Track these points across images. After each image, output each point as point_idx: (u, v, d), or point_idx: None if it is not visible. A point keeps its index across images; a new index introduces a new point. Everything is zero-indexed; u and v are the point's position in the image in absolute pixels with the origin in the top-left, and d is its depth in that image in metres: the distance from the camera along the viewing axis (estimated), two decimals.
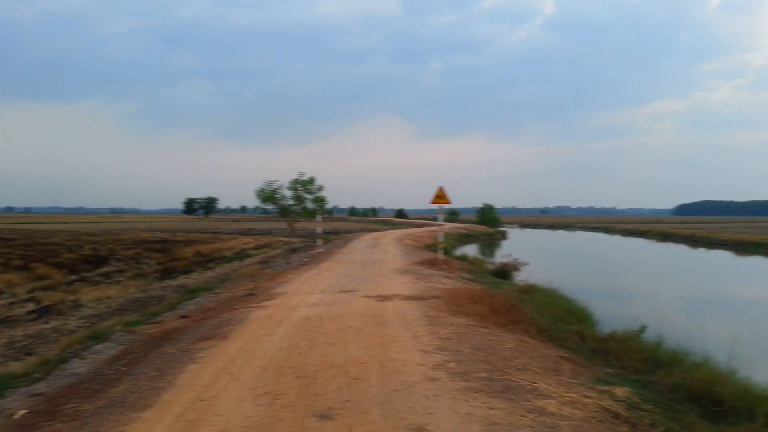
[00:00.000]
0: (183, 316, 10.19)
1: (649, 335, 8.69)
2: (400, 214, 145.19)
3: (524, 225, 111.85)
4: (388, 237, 37.83)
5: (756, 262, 34.29)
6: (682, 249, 46.45)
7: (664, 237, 60.45)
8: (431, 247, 29.13)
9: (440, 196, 18.22)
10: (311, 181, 25.31)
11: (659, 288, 22.23)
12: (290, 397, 4.88)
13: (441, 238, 20.86)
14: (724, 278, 27.21)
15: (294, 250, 26.91)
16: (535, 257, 31.92)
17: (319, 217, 27.93)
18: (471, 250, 35.89)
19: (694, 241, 51.97)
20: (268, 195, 25.03)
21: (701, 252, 42.67)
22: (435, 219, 75.77)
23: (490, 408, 4.55)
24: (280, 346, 6.86)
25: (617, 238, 65.16)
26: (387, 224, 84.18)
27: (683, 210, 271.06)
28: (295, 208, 25.66)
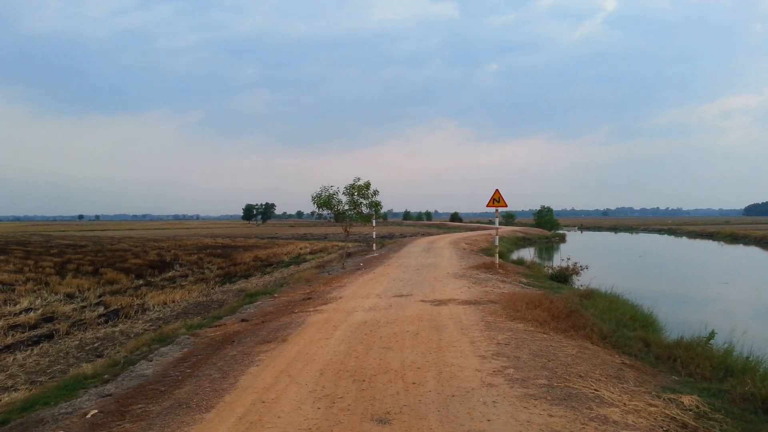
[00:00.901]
0: (243, 320, 10.47)
1: (719, 342, 8.29)
2: (455, 217, 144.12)
3: (584, 228, 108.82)
4: (443, 241, 37.62)
5: None
6: (753, 251, 44.02)
7: (733, 239, 57.47)
8: (487, 251, 28.79)
9: (496, 199, 18.00)
10: (366, 186, 25.51)
11: (729, 292, 21.13)
12: (348, 401, 4.93)
13: (497, 242, 20.57)
14: None
15: (349, 255, 27.17)
16: (596, 261, 30.98)
17: (373, 222, 28.11)
18: (528, 253, 35.19)
19: (767, 243, 49.14)
20: (324, 200, 25.39)
21: None
22: (490, 222, 74.55)
23: (551, 416, 4.45)
24: (337, 350, 6.94)
25: (683, 240, 62.42)
26: (441, 228, 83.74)
27: (754, 210, 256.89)
28: (351, 213, 25.92)
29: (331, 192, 25.56)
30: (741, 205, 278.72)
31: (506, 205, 18.07)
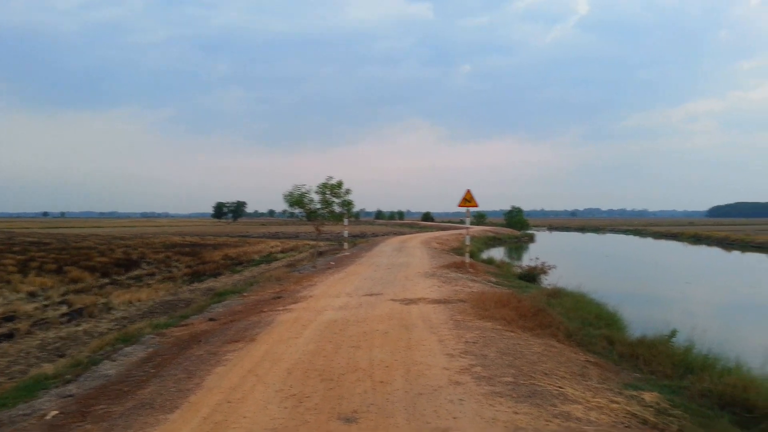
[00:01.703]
0: (211, 319, 10.34)
1: (680, 340, 8.50)
2: (427, 217, 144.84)
3: (553, 228, 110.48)
4: (415, 240, 37.77)
5: None
6: (715, 252, 45.31)
7: (697, 239, 59.04)
8: (458, 251, 29.00)
9: (468, 199, 18.14)
10: (339, 185, 25.47)
11: (691, 292, 21.72)
12: (315, 400, 4.91)
13: (467, 242, 20.73)
14: (758, 282, 26.46)
15: (321, 254, 27.06)
16: (564, 261, 31.49)
17: (345, 221, 28.06)
18: (498, 253, 35.59)
19: (728, 243, 50.61)
20: (296, 199, 25.28)
21: (735, 255, 41.55)
22: (462, 222, 75.08)
23: (516, 413, 4.51)
24: (306, 349, 6.91)
25: (648, 241, 63.88)
26: (413, 227, 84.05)
27: (717, 212, 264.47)
28: (323, 211, 25.85)
29: (303, 191, 25.45)
30: (705, 207, 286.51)
31: (477, 205, 18.22)
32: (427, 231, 63.40)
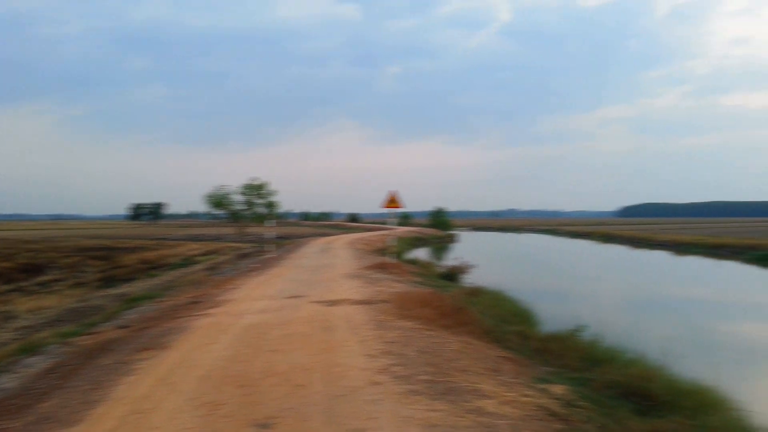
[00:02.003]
0: (122, 326, 9.87)
1: (588, 334, 8.97)
2: (353, 218, 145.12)
3: (475, 228, 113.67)
4: (341, 241, 37.72)
5: (690, 261, 35.92)
6: (623, 250, 48.18)
7: (607, 238, 62.54)
8: (383, 251, 29.23)
9: (392, 201, 18.33)
10: (262, 185, 25.07)
11: (601, 288, 22.99)
12: (230, 407, 4.79)
13: (391, 242, 20.96)
14: (661, 277, 28.37)
15: (244, 256, 26.48)
16: (485, 260, 32.48)
17: (270, 222, 27.64)
18: (422, 253, 36.19)
19: (636, 242, 53.97)
20: (218, 200, 24.65)
21: (642, 252, 44.37)
22: (384, 223, 75.64)
23: (431, 410, 4.60)
24: (222, 355, 6.73)
25: (563, 240, 67.02)
26: (340, 229, 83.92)
27: (627, 212, 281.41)
28: (246, 213, 25.33)
29: (225, 192, 24.84)
30: (616, 207, 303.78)
31: (401, 207, 18.46)
32: (354, 232, 63.52)
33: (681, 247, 43.89)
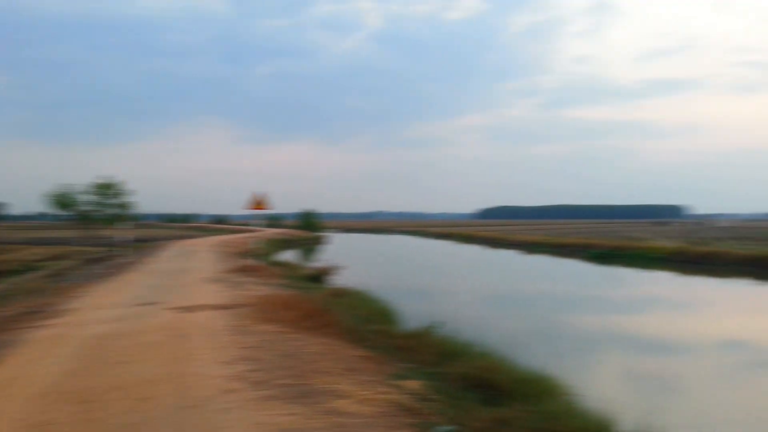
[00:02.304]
0: None
1: (446, 330, 9.42)
2: (221, 220, 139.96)
3: (345, 229, 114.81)
4: (204, 244, 36.15)
5: (538, 259, 39.25)
6: (481, 250, 51.40)
7: (467, 239, 66.32)
8: (248, 254, 28.50)
9: (257, 202, 17.93)
10: (114, 185, 23.29)
11: (460, 286, 24.33)
12: (63, 427, 4.39)
13: (256, 245, 20.52)
14: (513, 275, 30.67)
15: (94, 261, 24.43)
16: (353, 261, 32.97)
17: (125, 224, 25.76)
18: (290, 255, 35.84)
19: (492, 242, 57.83)
20: (63, 200, 22.49)
21: (497, 252, 47.64)
22: (246, 224, 73.78)
23: (286, 414, 4.56)
24: (62, 369, 6.15)
25: (427, 241, 69.96)
26: (205, 231, 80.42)
27: (484, 214, 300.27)
28: (96, 214, 23.39)
29: (72, 191, 22.74)
30: (475, 209, 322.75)
31: (268, 208, 18.12)
32: (219, 234, 61.21)
33: (531, 247, 47.72)
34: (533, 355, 9.32)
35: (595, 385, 8.98)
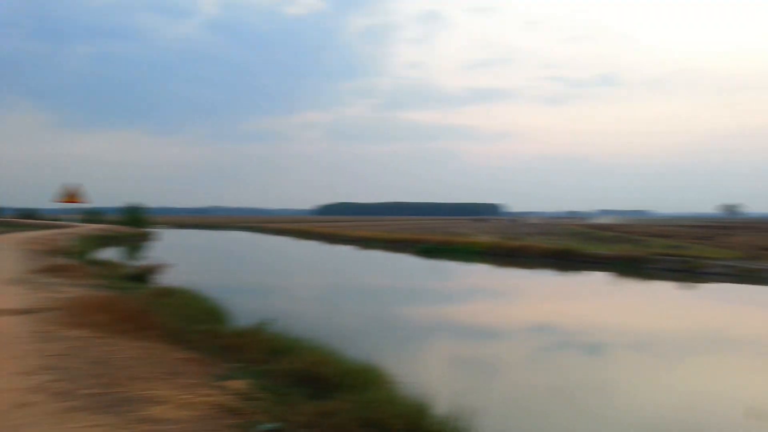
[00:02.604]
0: None
1: (277, 326, 9.35)
2: (29, 214, 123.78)
3: (178, 225, 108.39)
4: (7, 241, 31.77)
5: (373, 254, 40.70)
6: (318, 245, 51.91)
7: (305, 235, 66.50)
8: (61, 252, 25.67)
9: (69, 194, 16.21)
10: None
11: (295, 282, 24.34)
12: None
13: (70, 241, 18.55)
14: (348, 269, 31.44)
15: None
16: (184, 258, 31.30)
17: None
18: (111, 254, 32.95)
19: (329, 238, 58.67)
20: None
21: (334, 247, 48.46)
22: (71, 220, 67.10)
23: (90, 427, 4.20)
24: None
25: (265, 237, 68.84)
26: (10, 227, 70.71)
27: (324, 210, 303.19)
28: None
29: None
30: (313, 206, 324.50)
31: (83, 201, 16.48)
32: (27, 230, 54.24)
33: (366, 242, 49.26)
34: (364, 347, 9.62)
35: (420, 372, 9.53)
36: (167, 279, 17.48)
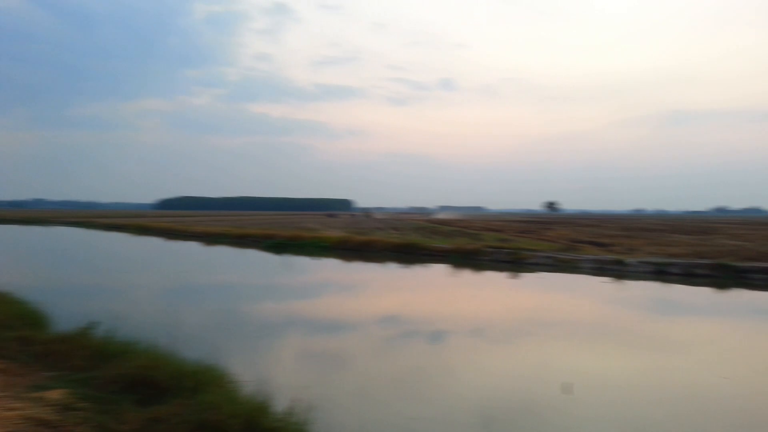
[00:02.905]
0: None
1: (104, 330, 8.63)
2: None
3: None
4: None
5: (219, 250, 39.18)
6: (159, 241, 48.76)
7: (143, 230, 62.04)
8: None
9: None
10: None
11: (130, 281, 22.64)
12: None
13: None
14: (191, 267, 29.95)
15: None
16: None
17: None
18: None
19: (171, 233, 55.33)
20: None
21: (176, 243, 45.82)
22: None
23: None
24: None
25: (96, 233, 63.07)
26: None
27: (165, 204, 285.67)
28: None
29: None
30: (155, 199, 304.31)
31: None
32: None
33: (212, 238, 47.30)
34: (205, 348, 9.21)
35: (265, 370, 9.39)
36: None
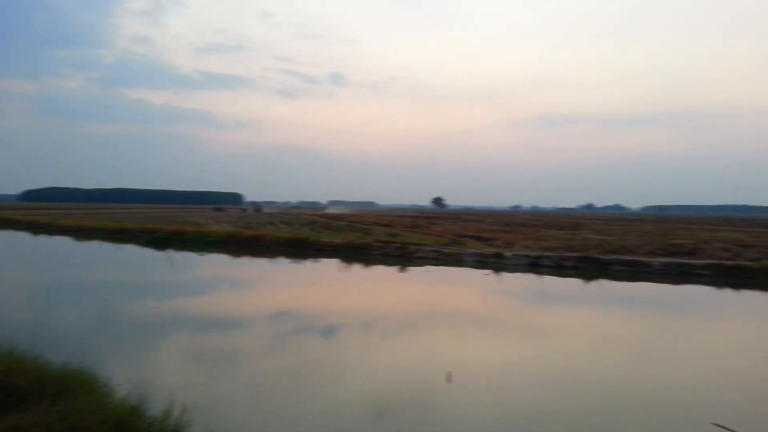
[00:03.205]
0: None
1: None
2: None
3: None
4: None
5: (93, 246, 36.45)
6: (23, 236, 44.48)
7: (4, 223, 56.32)
8: None
9: None
10: None
11: None
12: None
13: None
14: (60, 264, 27.60)
15: None
16: None
17: None
18: None
19: (37, 227, 50.68)
20: None
21: (42, 239, 41.99)
22: None
23: None
24: None
25: None
26: None
27: (31, 196, 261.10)
28: None
29: None
30: (18, 190, 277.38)
31: None
32: None
33: (84, 233, 43.91)
34: (76, 351, 8.51)
35: (143, 372, 8.88)
36: None
